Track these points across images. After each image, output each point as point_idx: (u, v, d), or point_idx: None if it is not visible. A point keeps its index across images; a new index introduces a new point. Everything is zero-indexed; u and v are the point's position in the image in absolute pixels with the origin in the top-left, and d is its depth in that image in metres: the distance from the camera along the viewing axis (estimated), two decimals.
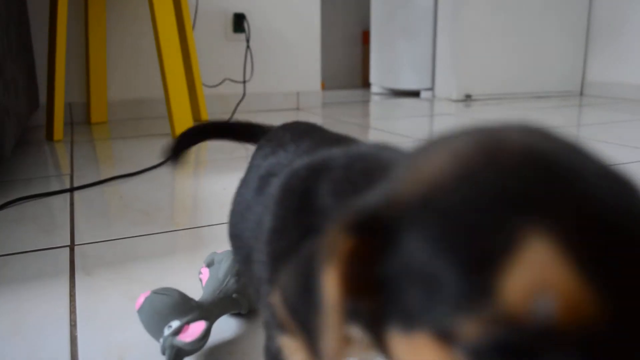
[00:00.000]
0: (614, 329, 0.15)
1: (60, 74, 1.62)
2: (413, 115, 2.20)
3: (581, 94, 2.93)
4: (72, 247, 0.75)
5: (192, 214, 0.92)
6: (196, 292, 0.53)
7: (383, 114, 2.37)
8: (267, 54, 2.26)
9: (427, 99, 2.82)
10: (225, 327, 0.53)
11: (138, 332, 0.52)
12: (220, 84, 2.15)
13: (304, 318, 0.20)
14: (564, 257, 0.16)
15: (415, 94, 2.95)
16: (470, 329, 0.16)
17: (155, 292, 0.47)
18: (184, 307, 0.46)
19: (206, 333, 0.43)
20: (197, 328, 0.43)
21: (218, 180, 1.12)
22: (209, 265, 0.55)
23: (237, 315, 0.56)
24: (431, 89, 2.88)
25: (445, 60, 2.75)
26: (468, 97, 2.69)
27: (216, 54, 2.16)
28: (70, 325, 0.54)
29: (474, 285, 0.16)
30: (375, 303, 0.20)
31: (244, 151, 1.44)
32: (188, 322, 0.45)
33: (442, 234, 0.17)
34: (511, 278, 0.16)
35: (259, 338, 0.51)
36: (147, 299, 0.46)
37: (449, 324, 0.17)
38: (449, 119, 2.11)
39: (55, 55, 1.60)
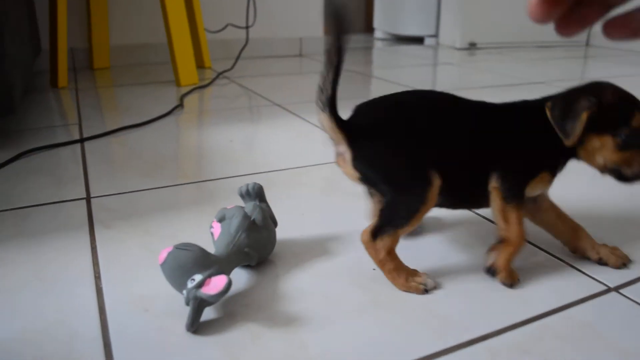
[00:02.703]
0: None
1: (62, 18, 1.60)
2: (416, 65, 2.19)
3: (587, 44, 2.89)
4: (88, 200, 0.78)
5: (200, 166, 0.94)
6: (206, 245, 0.56)
7: (385, 62, 2.36)
8: None
9: (431, 46, 2.79)
10: (238, 279, 0.57)
11: (161, 285, 0.56)
12: (222, 29, 2.12)
13: (561, 123, 0.55)
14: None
15: (419, 40, 2.91)
16: (622, 131, 0.55)
17: (178, 247, 0.49)
18: (205, 262, 0.49)
19: (228, 286, 0.46)
20: (219, 281, 0.46)
21: (223, 131, 1.14)
22: (221, 220, 0.58)
23: (247, 267, 0.59)
24: (435, 35, 2.85)
25: (451, 7, 2.70)
26: (472, 46, 2.67)
27: None
28: (95, 277, 0.57)
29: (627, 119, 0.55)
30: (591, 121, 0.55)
31: (246, 100, 1.45)
32: (210, 276, 0.48)
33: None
34: (634, 119, 0.55)
35: (271, 289, 0.55)
36: (170, 253, 0.49)
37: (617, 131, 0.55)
38: (452, 68, 2.10)
39: None
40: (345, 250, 0.63)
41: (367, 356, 0.46)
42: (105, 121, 1.22)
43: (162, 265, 0.49)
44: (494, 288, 0.56)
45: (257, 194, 0.60)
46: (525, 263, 0.60)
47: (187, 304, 0.48)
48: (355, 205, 0.75)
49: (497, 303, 0.53)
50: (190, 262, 0.48)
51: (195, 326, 0.47)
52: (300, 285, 0.56)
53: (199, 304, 0.47)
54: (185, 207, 0.76)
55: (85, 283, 0.56)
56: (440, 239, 0.66)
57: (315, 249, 0.64)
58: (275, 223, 0.60)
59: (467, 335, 0.49)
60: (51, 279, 0.57)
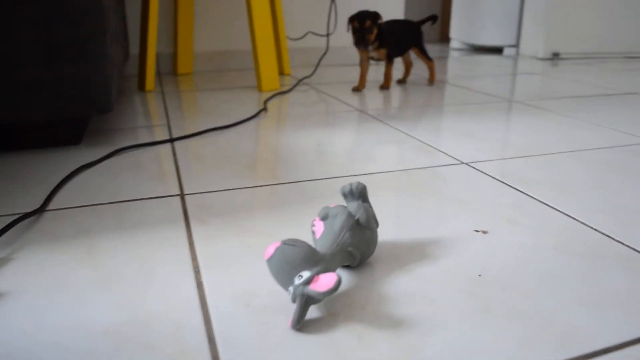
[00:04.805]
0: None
1: (153, 24, 1.66)
2: (495, 74, 2.12)
3: None
4: (182, 196, 0.79)
5: (291, 168, 0.94)
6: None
7: (462, 71, 2.30)
8: (350, 7, 2.22)
9: (511, 57, 2.71)
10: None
11: (261, 280, 0.55)
12: (303, 37, 2.14)
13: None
14: None
15: (497, 50, 2.84)
16: None
17: (285, 243, 0.49)
18: (313, 259, 0.48)
19: (338, 284, 0.45)
20: (329, 279, 0.45)
21: (308, 135, 1.14)
22: (324, 218, 0.57)
23: (346, 268, 0.57)
24: (515, 45, 2.76)
25: (534, 15, 2.61)
26: (555, 56, 2.56)
27: (300, 6, 2.14)
28: (194, 271, 0.58)
29: None
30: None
31: (324, 105, 1.45)
32: (318, 273, 0.47)
33: None
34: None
35: (374, 291, 0.53)
36: (278, 249, 0.48)
37: None
38: (535, 78, 2.03)
39: (148, 6, 1.64)
40: (446, 255, 0.61)
41: None
42: (192, 123, 1.25)
43: (269, 260, 0.49)
44: (618, 298, 0.51)
45: (360, 193, 0.59)
46: None
47: (293, 300, 0.47)
48: (449, 210, 0.72)
49: (621, 315, 0.49)
50: (298, 259, 0.47)
51: (301, 323, 0.46)
52: (403, 288, 0.54)
53: (305, 301, 0.46)
54: (280, 206, 0.75)
55: (186, 277, 0.56)
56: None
57: (415, 251, 0.61)
58: (377, 224, 0.59)
59: (590, 347, 0.45)
60: (153, 272, 0.58)
